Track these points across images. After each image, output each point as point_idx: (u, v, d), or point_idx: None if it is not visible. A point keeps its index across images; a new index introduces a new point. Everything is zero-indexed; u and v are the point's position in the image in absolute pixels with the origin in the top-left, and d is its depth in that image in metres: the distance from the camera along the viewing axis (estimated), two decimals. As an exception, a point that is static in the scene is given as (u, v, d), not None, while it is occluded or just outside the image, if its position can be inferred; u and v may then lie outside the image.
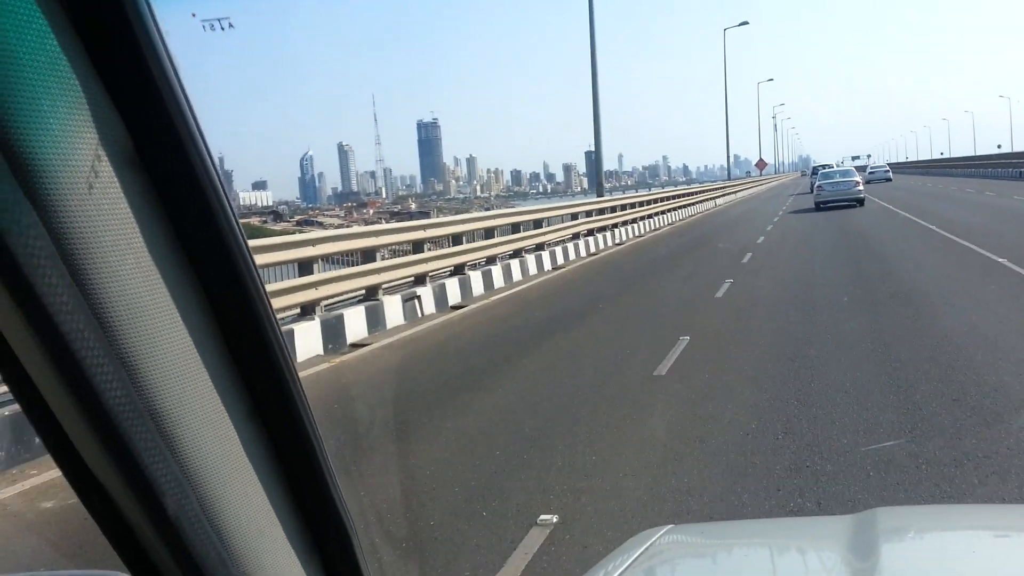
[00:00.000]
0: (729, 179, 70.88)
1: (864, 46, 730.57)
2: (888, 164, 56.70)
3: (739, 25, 55.44)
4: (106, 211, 0.58)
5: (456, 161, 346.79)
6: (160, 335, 0.60)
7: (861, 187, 27.71)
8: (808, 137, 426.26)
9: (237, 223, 0.64)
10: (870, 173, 54.87)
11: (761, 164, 66.18)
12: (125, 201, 0.59)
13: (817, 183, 29.27)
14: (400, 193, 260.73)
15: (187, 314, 0.62)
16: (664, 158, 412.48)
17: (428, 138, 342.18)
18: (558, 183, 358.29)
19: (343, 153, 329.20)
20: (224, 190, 0.64)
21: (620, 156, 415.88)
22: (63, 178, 0.55)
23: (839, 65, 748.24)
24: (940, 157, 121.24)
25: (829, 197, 27.50)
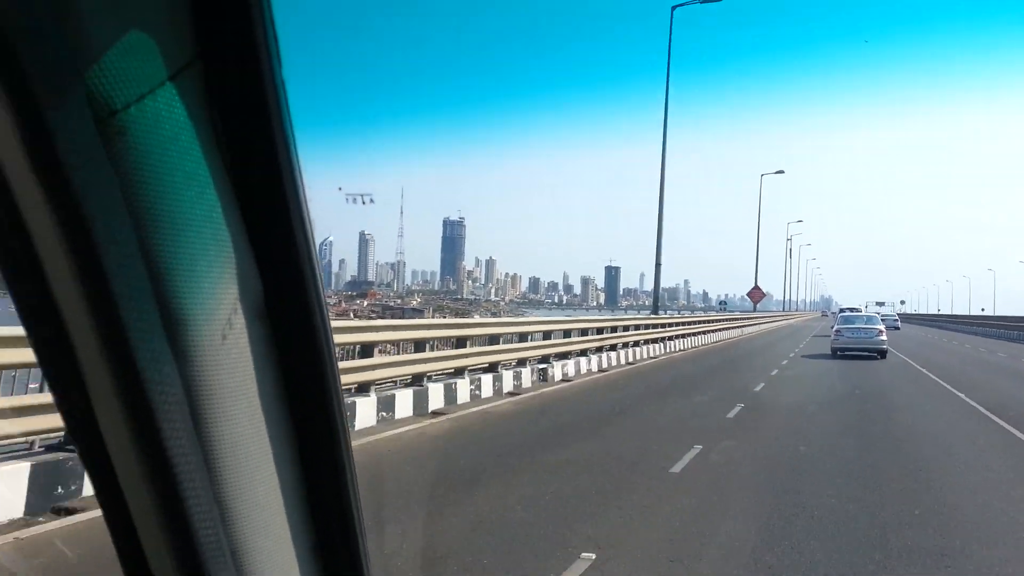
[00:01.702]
0: (755, 311, 71.92)
1: (893, 198, 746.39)
2: (898, 314, 57.12)
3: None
4: (233, 359, 0.70)
5: (477, 261, 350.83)
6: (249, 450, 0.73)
7: (884, 337, 25.53)
8: (832, 279, 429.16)
9: (335, 365, 0.80)
10: (881, 318, 54.40)
11: (756, 295, 52.97)
12: (249, 351, 0.72)
13: (836, 327, 27.20)
14: (414, 288, 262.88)
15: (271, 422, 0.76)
16: (686, 282, 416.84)
17: (452, 236, 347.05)
18: (575, 295, 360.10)
19: (364, 242, 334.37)
20: (331, 335, 0.78)
21: (642, 275, 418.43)
22: (205, 331, 0.68)
23: (867, 214, 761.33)
24: (957, 313, 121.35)
25: (847, 344, 25.34)
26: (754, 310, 59.79)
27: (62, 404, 0.67)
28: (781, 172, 62.97)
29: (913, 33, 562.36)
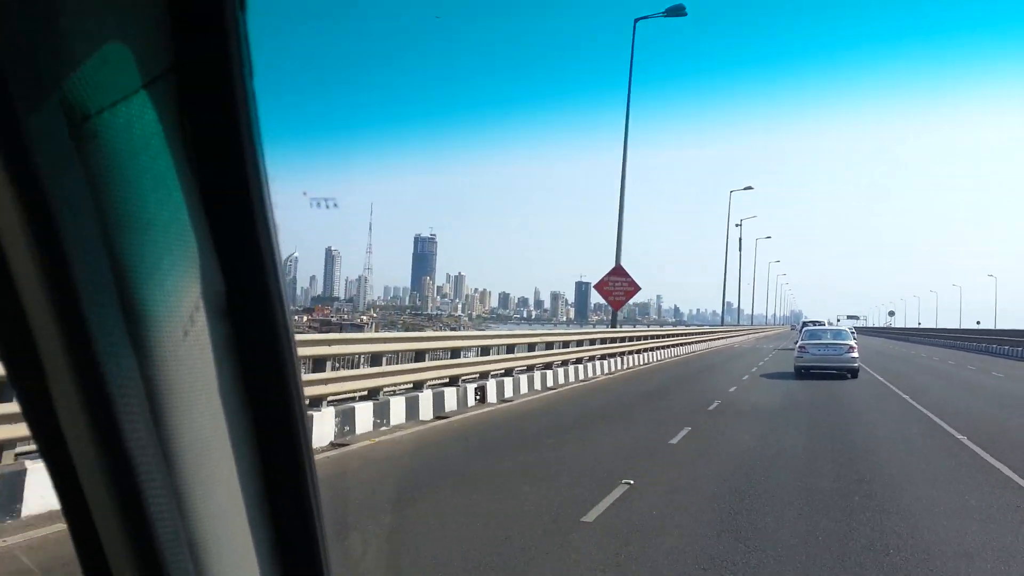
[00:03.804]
0: (722, 324, 71.88)
1: (863, 215, 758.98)
2: (855, 328, 54.88)
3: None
4: (194, 356, 0.72)
5: (448, 277, 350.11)
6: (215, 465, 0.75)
7: (855, 353, 22.18)
8: (802, 294, 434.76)
9: (296, 365, 0.81)
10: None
11: (613, 285, 45.57)
12: (210, 348, 0.74)
13: (800, 342, 23.72)
14: (380, 304, 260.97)
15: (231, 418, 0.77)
16: (658, 297, 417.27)
17: (423, 252, 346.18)
18: (545, 310, 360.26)
19: (330, 258, 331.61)
20: (292, 334, 0.79)
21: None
22: (166, 327, 0.70)
23: (837, 229, 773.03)
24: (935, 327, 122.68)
25: (813, 363, 22.21)
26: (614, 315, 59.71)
27: (22, 397, 0.68)
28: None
29: (881, 46, 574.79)
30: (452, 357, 13.93)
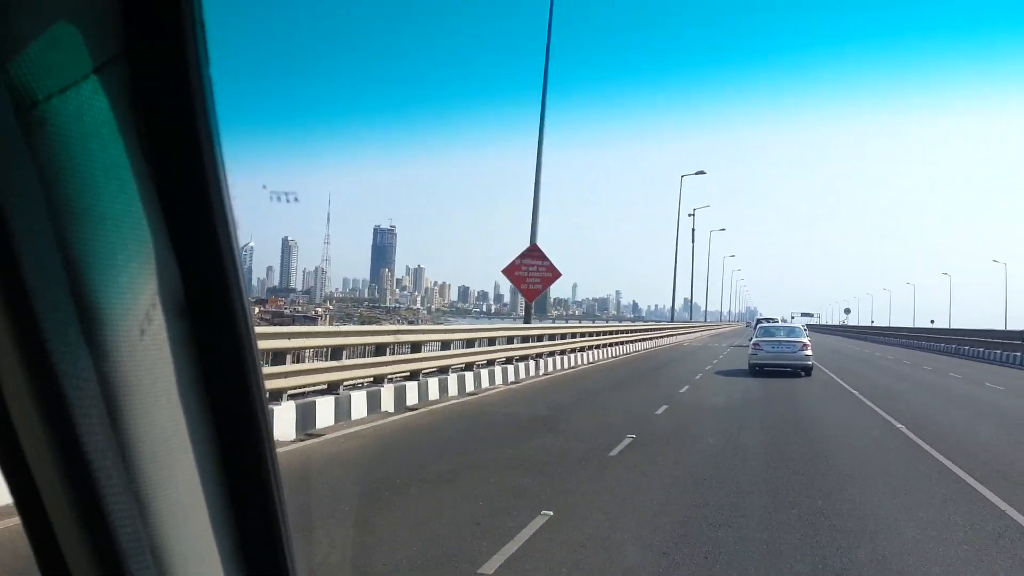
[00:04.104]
0: (672, 320, 70.13)
1: (819, 212, 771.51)
2: (807, 325, 51.72)
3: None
4: (152, 355, 0.70)
5: (408, 270, 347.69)
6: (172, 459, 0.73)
7: (809, 351, 22.30)
8: (757, 291, 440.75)
9: (256, 362, 0.78)
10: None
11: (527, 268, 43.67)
12: (168, 346, 0.71)
13: (754, 340, 23.85)
14: (337, 296, 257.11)
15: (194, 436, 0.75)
16: (617, 292, 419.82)
17: (383, 244, 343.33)
18: (504, 304, 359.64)
19: (286, 248, 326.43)
20: (252, 331, 0.77)
21: (575, 286, 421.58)
22: (122, 325, 0.67)
23: (792, 227, 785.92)
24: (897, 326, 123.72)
25: (767, 360, 22.19)
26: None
27: None
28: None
29: (839, 42, 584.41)
30: (413, 351, 14.17)
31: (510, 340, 19.66)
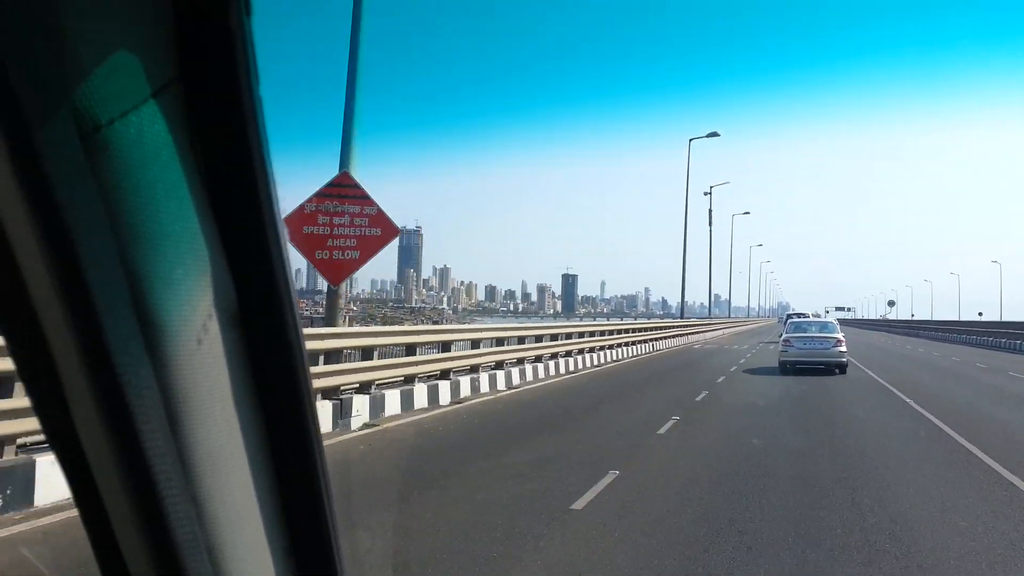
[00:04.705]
0: (709, 316, 66.95)
1: (855, 204, 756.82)
2: (839, 319, 40.83)
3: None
4: (208, 365, 0.73)
5: (434, 270, 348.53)
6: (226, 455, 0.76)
7: (844, 347, 20.87)
8: (790, 286, 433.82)
9: (307, 371, 0.81)
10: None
11: None
12: (224, 355, 0.75)
13: (784, 335, 22.58)
14: (363, 297, 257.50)
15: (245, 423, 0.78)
16: (646, 289, 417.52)
17: (409, 245, 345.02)
18: (532, 303, 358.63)
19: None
20: (302, 338, 0.80)
21: (603, 283, 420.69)
22: (181, 336, 0.70)
23: (824, 220, 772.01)
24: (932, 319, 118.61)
25: (798, 357, 20.83)
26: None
27: (40, 409, 0.69)
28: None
29: (873, 43, 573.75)
30: (443, 351, 14.38)
31: (521, 340, 18.40)
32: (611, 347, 26.04)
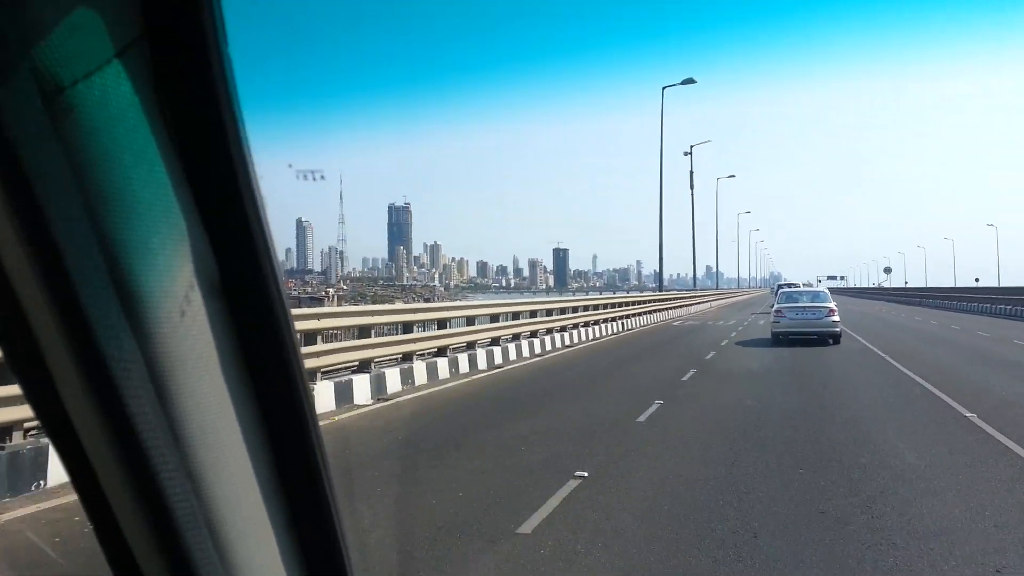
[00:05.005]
0: (695, 288, 65.46)
1: (842, 170, 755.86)
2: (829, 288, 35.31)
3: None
4: (193, 336, 0.72)
5: (425, 247, 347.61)
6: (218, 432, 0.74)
7: (836, 317, 20.95)
8: (781, 256, 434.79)
9: (294, 340, 0.80)
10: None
11: None
12: (209, 326, 0.73)
13: (776, 306, 22.53)
14: (354, 275, 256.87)
15: (238, 406, 0.76)
16: (638, 262, 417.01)
17: (398, 221, 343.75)
18: (524, 278, 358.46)
19: (301, 229, 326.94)
20: (288, 308, 0.78)
21: (595, 257, 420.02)
22: (163, 308, 0.69)
23: (814, 189, 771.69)
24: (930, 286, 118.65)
25: (790, 328, 20.90)
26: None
27: (26, 386, 0.68)
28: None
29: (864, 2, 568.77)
30: (439, 328, 14.83)
31: (515, 316, 18.40)
32: (594, 323, 25.21)
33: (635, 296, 37.99)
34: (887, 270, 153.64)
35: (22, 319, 0.64)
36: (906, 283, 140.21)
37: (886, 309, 53.31)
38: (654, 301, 37.13)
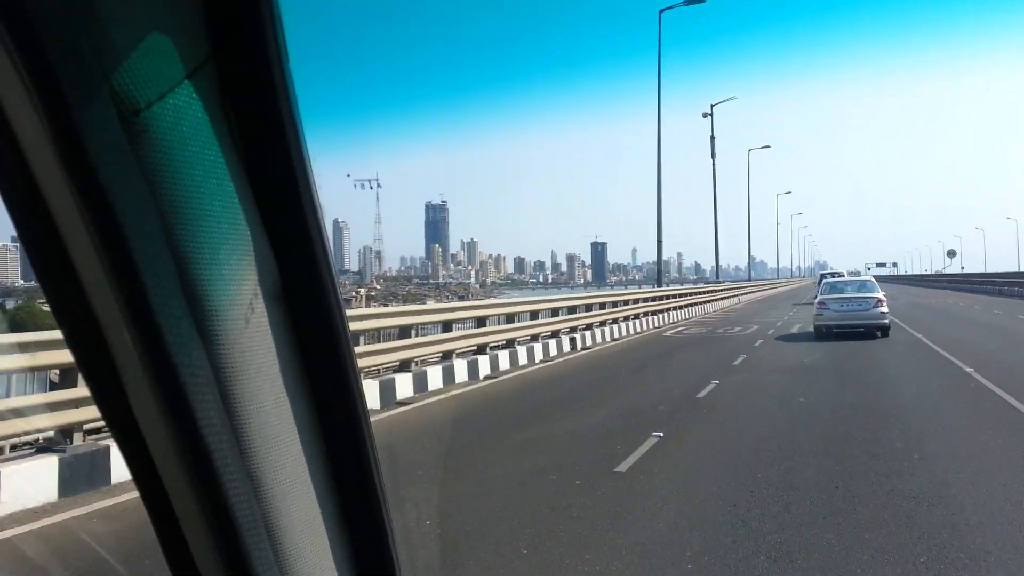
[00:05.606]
0: (750, 279, 62.20)
1: (889, 155, 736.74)
2: (875, 277, 31.80)
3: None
4: (256, 343, 0.75)
5: (462, 244, 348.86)
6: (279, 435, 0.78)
7: (885, 308, 19.44)
8: (827, 246, 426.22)
9: (350, 344, 0.83)
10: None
11: None
12: (270, 334, 0.77)
13: (819, 298, 20.75)
14: (391, 275, 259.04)
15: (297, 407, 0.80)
16: (679, 255, 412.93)
17: (435, 219, 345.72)
18: (562, 273, 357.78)
19: (338, 230, 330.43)
20: (344, 312, 0.82)
21: (634, 250, 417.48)
22: (229, 316, 0.72)
23: (860, 174, 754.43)
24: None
25: (836, 321, 19.43)
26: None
27: (98, 395, 0.71)
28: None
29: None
30: (478, 326, 14.89)
31: (555, 312, 18.44)
32: (625, 319, 23.75)
33: (647, 292, 30.48)
34: (951, 253, 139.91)
35: (95, 327, 0.67)
36: (962, 268, 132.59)
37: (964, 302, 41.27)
38: (656, 300, 30.44)
